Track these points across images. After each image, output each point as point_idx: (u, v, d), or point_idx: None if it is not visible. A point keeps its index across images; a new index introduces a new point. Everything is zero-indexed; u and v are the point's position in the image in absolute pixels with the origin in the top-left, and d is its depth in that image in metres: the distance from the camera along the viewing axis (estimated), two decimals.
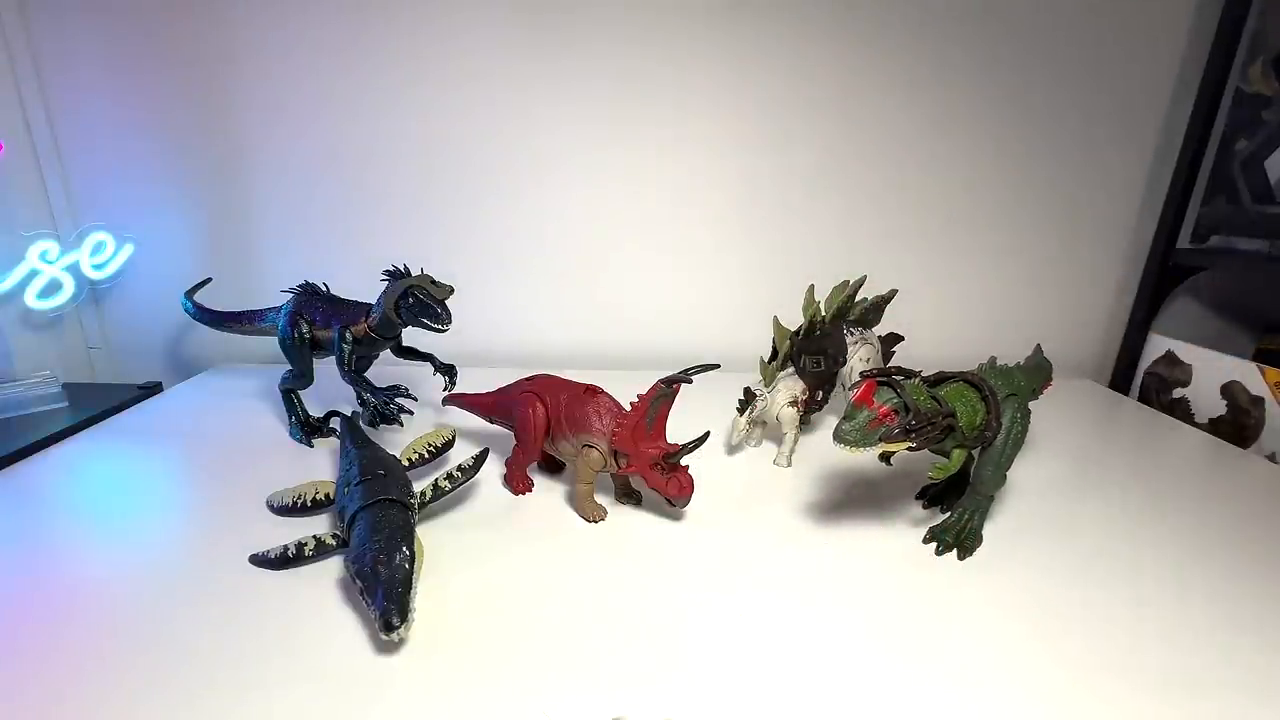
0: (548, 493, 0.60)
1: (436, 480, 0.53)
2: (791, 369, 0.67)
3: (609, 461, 0.54)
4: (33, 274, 0.85)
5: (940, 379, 0.52)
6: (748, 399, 0.66)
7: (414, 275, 0.62)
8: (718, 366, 0.54)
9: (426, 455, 0.60)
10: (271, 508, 0.56)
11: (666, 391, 0.52)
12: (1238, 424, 0.83)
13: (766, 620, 0.44)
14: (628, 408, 0.54)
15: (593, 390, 0.56)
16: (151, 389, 0.86)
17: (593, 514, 0.55)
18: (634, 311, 1.00)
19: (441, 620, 0.42)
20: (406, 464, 0.57)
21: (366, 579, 0.41)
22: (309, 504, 0.54)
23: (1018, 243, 0.98)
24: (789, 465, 0.67)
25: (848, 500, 0.60)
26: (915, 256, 0.98)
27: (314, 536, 0.48)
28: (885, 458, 0.55)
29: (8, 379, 0.78)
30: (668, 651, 0.41)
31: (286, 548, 0.47)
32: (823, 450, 0.69)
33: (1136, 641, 0.43)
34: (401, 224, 0.94)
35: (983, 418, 0.51)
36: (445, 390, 0.69)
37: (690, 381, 0.52)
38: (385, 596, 0.39)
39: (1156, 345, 0.96)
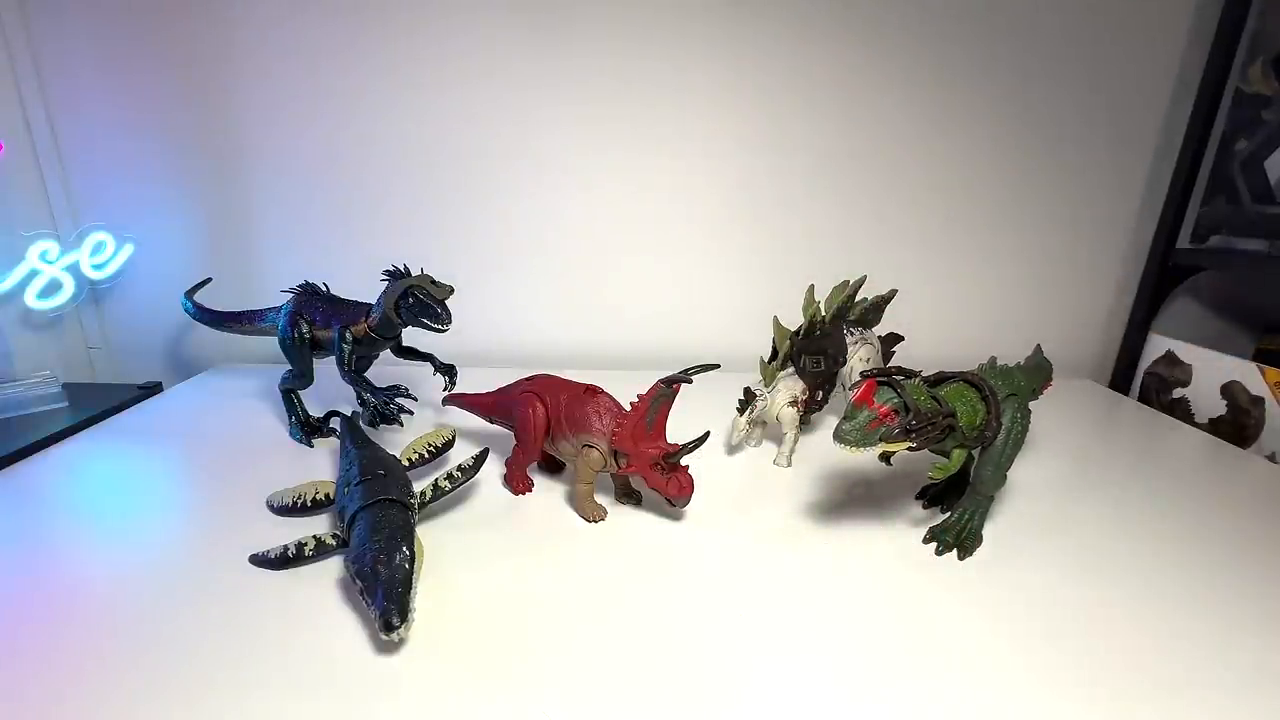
0: (548, 493, 0.60)
1: (436, 480, 0.53)
2: (791, 369, 0.67)
3: (609, 461, 0.54)
4: (33, 274, 0.85)
5: (940, 379, 0.52)
6: (748, 399, 0.66)
7: (414, 275, 0.62)
8: (718, 366, 0.54)
9: (426, 455, 0.60)
10: (271, 508, 0.56)
11: (666, 391, 0.52)
12: (1238, 424, 0.83)
13: (766, 620, 0.44)
14: (628, 408, 0.54)
15: (593, 390, 0.56)
16: (151, 389, 0.86)
17: (593, 514, 0.55)
18: (634, 311, 1.00)
19: (441, 620, 0.42)
20: (406, 464, 0.57)
21: (366, 579, 0.41)
22: (309, 504, 0.54)
23: (1017, 243, 0.98)
24: (789, 465, 0.67)
25: (848, 500, 0.60)
26: (915, 256, 0.98)
27: (314, 536, 0.48)
28: (885, 458, 0.55)
29: (8, 379, 0.78)
30: (668, 651, 0.40)
31: (286, 548, 0.47)
32: (823, 450, 0.69)
33: (1137, 641, 0.43)
34: (401, 224, 0.95)
35: (983, 418, 0.51)
36: (445, 390, 0.69)
37: (690, 381, 0.52)
38: (385, 596, 0.39)
39: (1156, 345, 0.96)
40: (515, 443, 0.59)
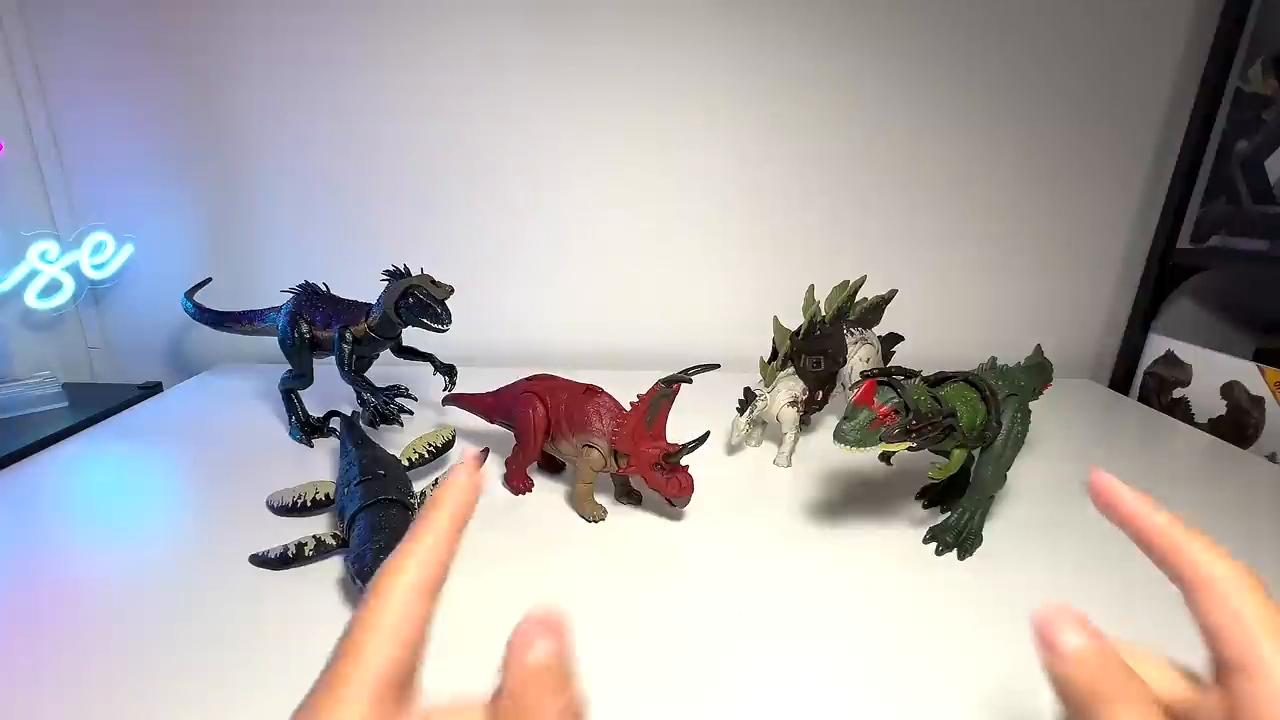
0: (548, 493, 0.60)
1: (437, 480, 0.53)
2: (791, 369, 0.67)
3: (609, 461, 0.54)
4: (33, 274, 0.85)
5: (940, 379, 0.52)
6: (748, 399, 0.66)
7: (414, 275, 0.62)
8: (718, 366, 0.54)
9: (426, 455, 0.60)
10: (271, 508, 0.56)
11: (666, 391, 0.52)
12: (1238, 424, 0.83)
13: (766, 620, 0.44)
14: (628, 408, 0.54)
15: (593, 390, 0.56)
16: (151, 389, 0.86)
17: (593, 514, 0.55)
18: (634, 312, 1.00)
19: (441, 620, 0.42)
20: (406, 464, 0.57)
21: (367, 579, 0.41)
22: (309, 504, 0.54)
23: (1017, 243, 0.98)
24: (789, 465, 0.67)
25: (848, 500, 0.60)
26: (915, 256, 0.98)
27: (314, 536, 0.48)
28: (885, 458, 0.55)
29: (8, 379, 0.78)
30: (668, 651, 0.40)
31: (286, 548, 0.47)
32: (823, 450, 0.69)
33: (1137, 640, 0.43)
34: (401, 224, 0.95)
35: (983, 418, 0.51)
36: (445, 390, 0.69)
37: (690, 381, 0.52)
38: None
39: (1156, 345, 0.96)
40: (515, 443, 0.59)
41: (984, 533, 0.53)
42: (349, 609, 0.43)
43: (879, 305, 0.73)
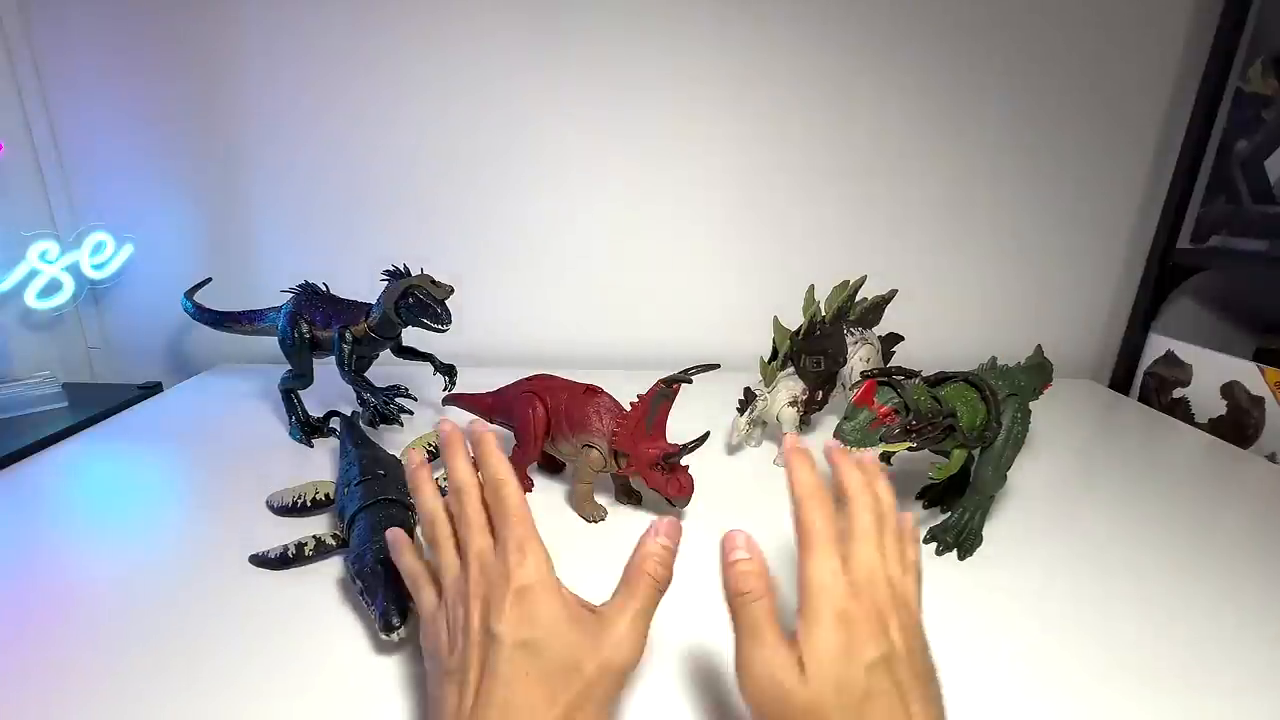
0: (548, 493, 0.60)
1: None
2: (791, 369, 0.67)
3: (609, 461, 0.54)
4: (33, 274, 0.85)
5: (940, 379, 0.52)
6: (748, 399, 0.66)
7: (414, 275, 0.62)
8: (718, 366, 0.54)
9: (426, 455, 0.59)
10: (271, 508, 0.56)
11: (666, 391, 0.52)
12: (1238, 424, 0.83)
13: None
14: (628, 408, 0.54)
15: (593, 390, 0.56)
16: (151, 389, 0.86)
17: (593, 514, 0.55)
18: (634, 311, 1.00)
19: None
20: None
21: (366, 579, 0.41)
22: (309, 504, 0.54)
23: (1018, 243, 0.98)
24: None
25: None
26: (915, 256, 0.98)
27: (314, 536, 0.48)
28: (885, 458, 0.55)
29: (7, 379, 0.78)
30: (667, 650, 0.40)
31: (286, 548, 0.47)
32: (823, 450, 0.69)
33: (1137, 640, 0.43)
34: (402, 224, 0.95)
35: (983, 418, 0.50)
36: (445, 390, 0.69)
37: (690, 381, 0.52)
38: (385, 597, 0.39)
39: (1156, 345, 0.96)
40: (515, 443, 0.59)
41: (984, 533, 0.53)
42: (349, 609, 0.43)
43: (879, 305, 0.73)
